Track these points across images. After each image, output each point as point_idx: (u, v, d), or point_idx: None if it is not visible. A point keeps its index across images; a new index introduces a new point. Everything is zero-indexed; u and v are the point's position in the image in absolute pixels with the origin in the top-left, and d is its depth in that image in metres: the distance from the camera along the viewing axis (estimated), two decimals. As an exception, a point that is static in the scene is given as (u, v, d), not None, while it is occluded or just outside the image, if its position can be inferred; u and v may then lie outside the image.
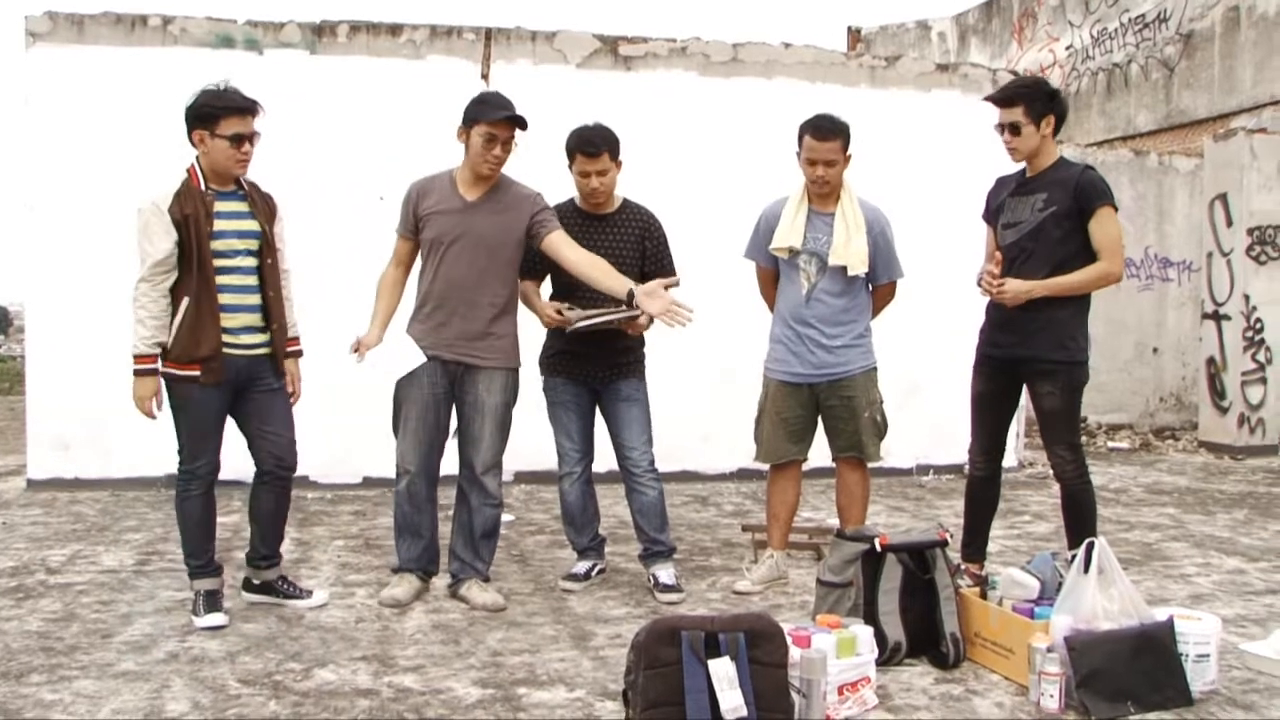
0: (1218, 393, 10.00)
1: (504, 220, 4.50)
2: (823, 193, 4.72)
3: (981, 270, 4.66)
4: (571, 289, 4.68)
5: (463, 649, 4.00)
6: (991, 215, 4.75)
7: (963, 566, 4.70)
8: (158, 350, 4.13)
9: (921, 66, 8.54)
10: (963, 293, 7.59)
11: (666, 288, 4.37)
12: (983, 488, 4.81)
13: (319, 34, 7.45)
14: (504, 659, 3.90)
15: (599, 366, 4.74)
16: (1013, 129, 4.48)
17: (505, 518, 5.67)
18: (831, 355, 4.75)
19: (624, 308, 4.47)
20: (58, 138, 7.11)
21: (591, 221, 4.77)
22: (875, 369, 4.86)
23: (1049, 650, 3.45)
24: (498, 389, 4.54)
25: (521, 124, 4.42)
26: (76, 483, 7.13)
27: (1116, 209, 4.49)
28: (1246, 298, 9.82)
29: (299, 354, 4.51)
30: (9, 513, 6.50)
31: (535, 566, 5.29)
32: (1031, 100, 4.46)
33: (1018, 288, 4.39)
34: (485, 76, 7.52)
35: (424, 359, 4.46)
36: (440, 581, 4.74)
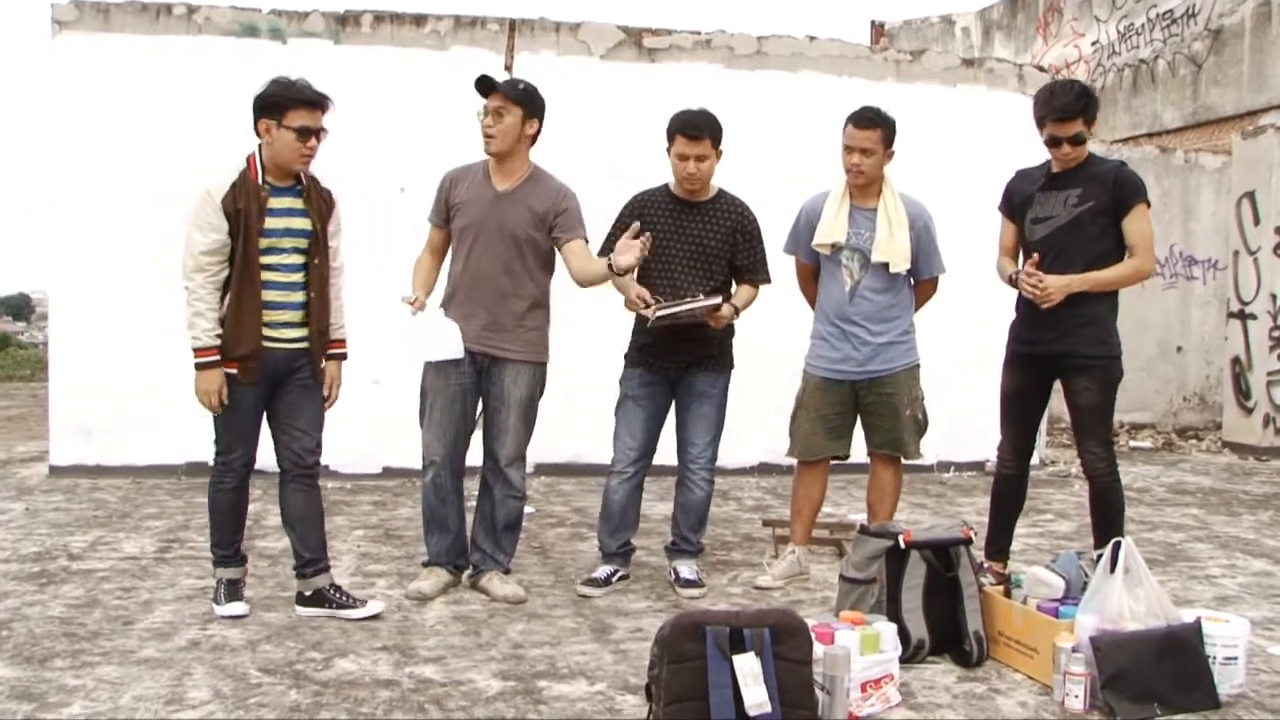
0: (1243, 392, 9.91)
1: (533, 213, 4.47)
2: (859, 183, 4.68)
3: (1008, 267, 4.61)
4: (646, 282, 4.61)
5: (483, 640, 4.00)
6: (1014, 208, 4.68)
7: (986, 565, 4.66)
8: (219, 341, 4.03)
9: (947, 61, 8.49)
10: (986, 288, 7.53)
11: (639, 240, 4.21)
12: (1011, 486, 4.76)
13: (343, 23, 7.46)
14: (524, 651, 3.89)
15: (679, 358, 4.67)
16: (1075, 140, 4.41)
17: (525, 510, 5.65)
18: (875, 352, 4.71)
19: (702, 297, 4.47)
20: (82, 125, 7.14)
21: (684, 208, 4.72)
22: (918, 366, 4.82)
23: (1074, 650, 3.42)
24: (524, 382, 4.51)
25: (497, 88, 4.37)
26: (98, 469, 7.16)
27: (1150, 206, 4.47)
28: (1274, 297, 9.72)
29: (343, 356, 4.37)
30: (32, 498, 6.53)
31: (555, 559, 5.28)
32: (1089, 108, 4.42)
33: (1057, 283, 4.34)
34: (509, 67, 7.51)
35: (457, 347, 4.38)
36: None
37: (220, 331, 4.03)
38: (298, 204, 4.15)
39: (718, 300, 4.50)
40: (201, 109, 7.19)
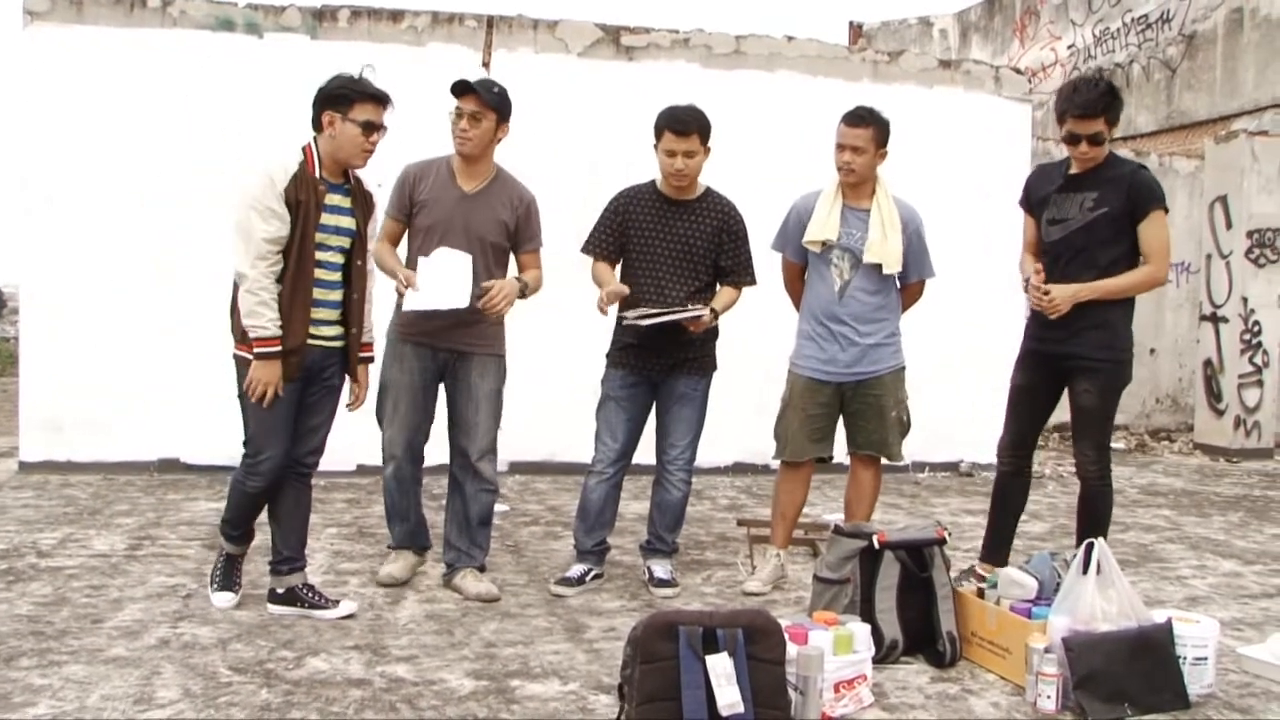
0: (1214, 395, 9.99)
1: (498, 215, 4.52)
2: (850, 181, 4.66)
3: (1028, 266, 4.57)
4: (631, 280, 4.65)
5: (456, 640, 3.98)
6: (1033, 206, 4.65)
7: (976, 569, 4.66)
8: (282, 331, 3.96)
9: (924, 62, 8.51)
10: (963, 289, 7.58)
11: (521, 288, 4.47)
12: (1009, 485, 4.74)
13: (320, 18, 7.40)
14: (497, 650, 3.87)
15: (660, 359, 4.66)
16: (1094, 140, 4.35)
17: (499, 508, 5.64)
18: (863, 354, 4.69)
19: (686, 307, 4.49)
20: (54, 117, 7.06)
21: (670, 207, 4.70)
22: (903, 368, 4.81)
23: (1046, 650, 3.43)
24: (491, 375, 4.55)
25: (474, 91, 4.40)
26: (69, 465, 7.09)
27: (1168, 211, 4.41)
28: (1245, 300, 9.81)
29: (371, 359, 4.37)
30: (0, 495, 6.45)
31: (529, 558, 5.26)
32: (1112, 108, 4.37)
33: (1063, 294, 4.33)
34: (486, 64, 7.48)
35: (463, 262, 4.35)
36: (435, 571, 4.72)
37: (280, 320, 3.97)
38: (345, 202, 4.15)
39: (698, 312, 4.48)
40: (176, 103, 7.14)
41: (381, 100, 4.12)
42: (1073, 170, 4.50)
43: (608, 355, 4.81)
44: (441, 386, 4.61)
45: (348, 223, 4.15)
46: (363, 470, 7.23)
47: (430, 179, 4.53)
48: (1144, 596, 4.33)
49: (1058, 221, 4.48)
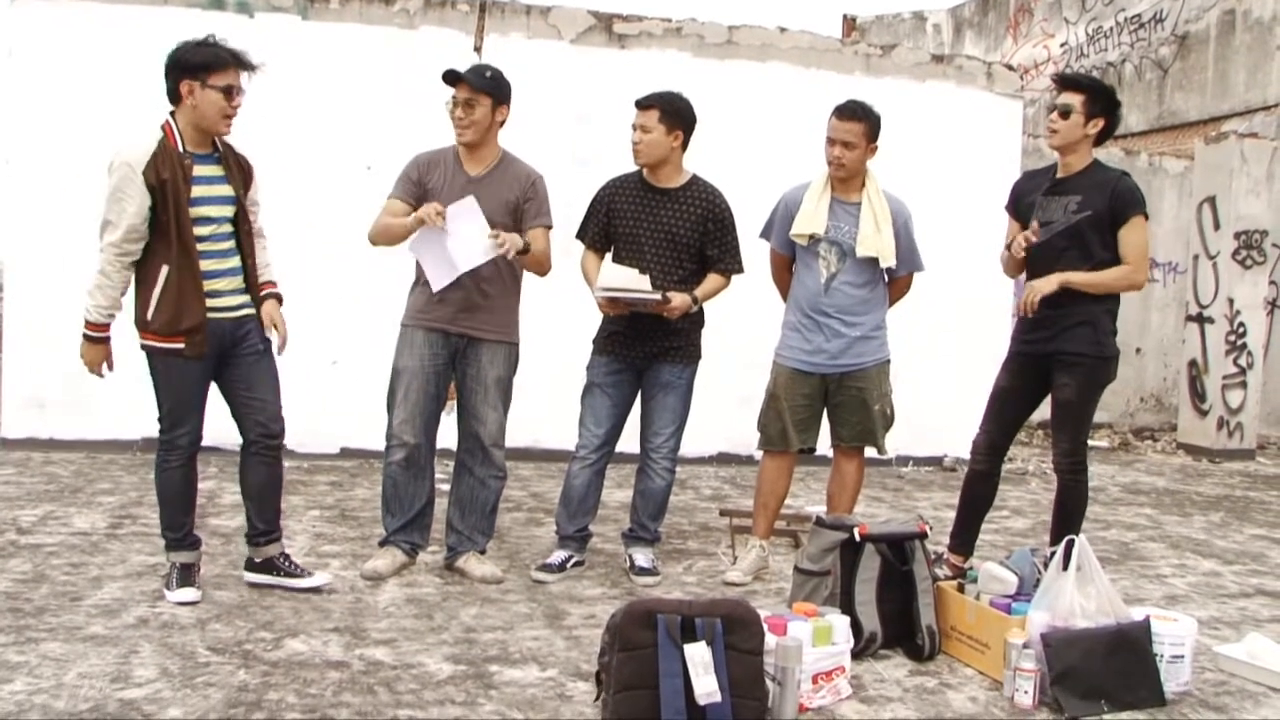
0: (1198, 395, 10.04)
1: (504, 196, 4.47)
2: (839, 176, 4.65)
3: (1006, 245, 4.66)
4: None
5: (436, 624, 3.98)
6: (1019, 210, 4.71)
7: (946, 556, 4.69)
8: (111, 319, 3.99)
9: (917, 56, 8.51)
10: (950, 285, 7.58)
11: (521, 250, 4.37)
12: (980, 483, 4.77)
13: (311, -1, 7.36)
14: (477, 635, 3.87)
15: (644, 346, 4.66)
16: (1064, 112, 4.45)
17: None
18: (849, 345, 4.69)
19: (654, 292, 4.46)
20: (41, 92, 7.00)
21: (654, 195, 4.69)
22: (888, 361, 4.80)
23: (1025, 646, 3.45)
24: (500, 361, 4.53)
25: (464, 79, 4.36)
26: (51, 443, 7.06)
27: (1148, 218, 4.49)
28: (1230, 301, 9.85)
29: (275, 295, 4.24)
30: (-19, 471, 6.43)
31: (511, 544, 5.26)
32: (1094, 95, 4.46)
33: (1041, 284, 4.40)
34: (478, 49, 7.45)
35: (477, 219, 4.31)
36: (420, 556, 4.71)
37: (114, 310, 4.00)
38: (218, 171, 4.06)
39: (658, 295, 4.46)
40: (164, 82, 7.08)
41: (240, 62, 3.99)
42: (1059, 174, 4.58)
43: (594, 341, 4.80)
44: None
45: (224, 190, 4.06)
46: (346, 453, 7.23)
47: (439, 168, 4.51)
48: (1123, 594, 4.35)
49: (1043, 224, 4.52)
